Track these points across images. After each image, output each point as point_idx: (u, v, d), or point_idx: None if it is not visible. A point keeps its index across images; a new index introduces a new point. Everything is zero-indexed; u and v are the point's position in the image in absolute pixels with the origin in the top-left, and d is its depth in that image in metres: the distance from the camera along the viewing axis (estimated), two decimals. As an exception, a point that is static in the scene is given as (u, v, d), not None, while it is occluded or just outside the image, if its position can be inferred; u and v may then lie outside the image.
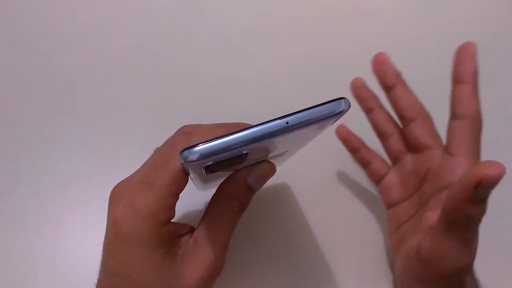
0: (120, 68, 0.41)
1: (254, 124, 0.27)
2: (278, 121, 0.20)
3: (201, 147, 0.19)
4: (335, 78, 0.42)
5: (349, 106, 0.20)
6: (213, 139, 0.19)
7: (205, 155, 0.19)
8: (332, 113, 0.20)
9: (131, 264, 0.22)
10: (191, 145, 0.19)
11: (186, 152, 0.19)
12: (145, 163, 0.25)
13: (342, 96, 0.20)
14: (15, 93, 0.39)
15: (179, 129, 0.27)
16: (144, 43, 0.42)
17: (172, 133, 0.29)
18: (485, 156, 0.38)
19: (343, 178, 0.37)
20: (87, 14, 0.43)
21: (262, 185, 0.27)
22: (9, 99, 0.39)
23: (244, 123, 0.27)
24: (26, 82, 0.39)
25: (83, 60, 0.41)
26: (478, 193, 0.20)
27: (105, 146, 0.37)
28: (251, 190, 0.26)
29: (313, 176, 0.37)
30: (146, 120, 0.38)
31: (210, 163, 0.20)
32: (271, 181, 0.27)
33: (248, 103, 0.39)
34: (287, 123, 0.19)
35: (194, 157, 0.19)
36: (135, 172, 0.25)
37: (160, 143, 0.28)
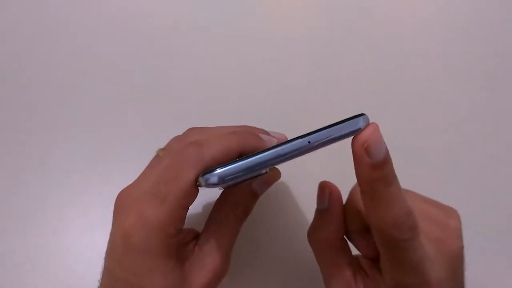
0: (120, 68, 0.40)
1: (253, 125, 0.27)
2: (300, 140, 0.20)
3: (223, 170, 0.20)
4: (336, 79, 0.42)
5: (368, 122, 0.21)
6: (235, 162, 0.20)
7: (228, 179, 0.20)
8: (352, 131, 0.20)
9: (141, 274, 0.22)
10: (212, 168, 0.20)
11: (208, 176, 0.20)
12: (151, 171, 0.25)
13: (361, 113, 0.21)
14: (15, 93, 0.39)
15: (186, 135, 0.27)
16: (144, 43, 0.42)
17: (171, 134, 0.29)
18: (486, 156, 0.39)
19: (342, 177, 0.37)
20: (85, 12, 0.43)
21: (266, 190, 0.28)
22: (9, 99, 0.39)
23: (250, 127, 0.27)
24: (26, 82, 0.39)
25: (83, 60, 0.41)
26: (370, 155, 0.20)
27: (106, 146, 0.37)
28: (256, 196, 0.27)
29: (312, 176, 0.37)
30: (146, 119, 0.38)
31: (230, 183, 0.21)
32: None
33: (247, 103, 0.39)
34: (309, 142, 0.20)
35: (214, 180, 0.20)
36: (141, 180, 0.25)
37: (159, 143, 0.28)
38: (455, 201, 0.26)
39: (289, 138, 0.26)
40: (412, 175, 0.38)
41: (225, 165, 0.20)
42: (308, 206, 0.36)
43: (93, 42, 0.41)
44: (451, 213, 0.26)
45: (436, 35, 0.44)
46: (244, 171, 0.20)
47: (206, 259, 0.25)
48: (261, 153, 0.20)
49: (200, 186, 0.22)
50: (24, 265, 0.33)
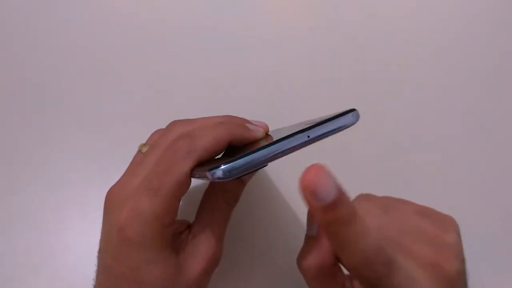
0: (121, 69, 0.41)
1: (229, 114, 0.28)
2: (300, 135, 0.21)
3: (232, 164, 0.20)
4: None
5: (358, 117, 0.22)
6: (242, 156, 0.20)
7: (236, 173, 0.20)
8: (347, 125, 0.22)
9: (139, 268, 0.23)
10: (220, 163, 0.20)
11: (215, 170, 0.20)
12: (138, 166, 0.25)
13: (352, 108, 0.22)
14: (15, 93, 0.39)
15: (170, 128, 0.27)
16: (145, 44, 0.42)
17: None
18: (485, 156, 0.39)
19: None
20: (84, 12, 0.43)
21: (252, 177, 0.29)
22: (9, 99, 0.39)
23: (233, 116, 0.28)
24: (26, 82, 0.40)
25: (83, 60, 0.41)
26: (318, 199, 0.18)
27: (105, 145, 0.37)
28: (243, 183, 0.28)
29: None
30: (147, 120, 0.38)
31: (236, 176, 0.21)
32: (259, 179, 0.28)
33: (245, 103, 0.39)
34: (308, 136, 0.21)
35: (220, 174, 0.20)
36: (129, 176, 0.25)
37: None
38: (455, 201, 0.26)
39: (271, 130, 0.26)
40: (411, 177, 0.38)
41: (233, 159, 0.20)
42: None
43: (93, 42, 0.42)
44: (447, 225, 0.25)
45: (436, 35, 0.44)
46: (252, 165, 0.20)
47: (200, 247, 0.25)
48: (266, 147, 0.21)
49: (202, 179, 0.23)
50: (24, 265, 0.33)
